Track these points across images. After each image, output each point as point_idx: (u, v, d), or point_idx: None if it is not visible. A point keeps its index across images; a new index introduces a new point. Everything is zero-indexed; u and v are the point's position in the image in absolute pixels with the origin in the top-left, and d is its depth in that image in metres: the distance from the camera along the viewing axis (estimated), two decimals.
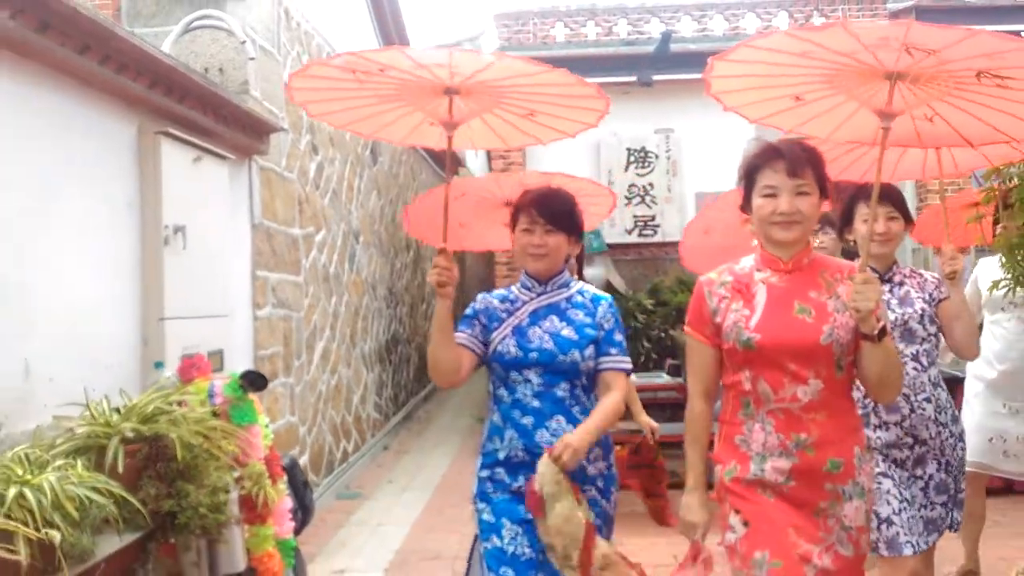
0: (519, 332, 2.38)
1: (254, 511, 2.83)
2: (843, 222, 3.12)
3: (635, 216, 8.63)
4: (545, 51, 8.32)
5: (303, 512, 3.43)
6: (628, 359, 2.45)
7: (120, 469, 2.23)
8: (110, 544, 2.15)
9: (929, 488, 2.86)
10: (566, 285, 2.48)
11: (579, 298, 2.46)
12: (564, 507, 2.17)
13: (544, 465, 2.20)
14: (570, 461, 2.19)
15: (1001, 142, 2.46)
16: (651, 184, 8.57)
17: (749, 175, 2.20)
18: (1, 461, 1.99)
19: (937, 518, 2.87)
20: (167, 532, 2.36)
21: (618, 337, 2.44)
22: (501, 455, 2.36)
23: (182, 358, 3.13)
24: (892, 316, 2.86)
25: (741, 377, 2.15)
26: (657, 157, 8.53)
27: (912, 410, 2.83)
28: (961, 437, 2.97)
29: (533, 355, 2.34)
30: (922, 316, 2.88)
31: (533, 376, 2.35)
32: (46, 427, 2.54)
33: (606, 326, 2.42)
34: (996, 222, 3.27)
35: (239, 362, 4.21)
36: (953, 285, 2.87)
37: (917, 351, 2.86)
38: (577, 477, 2.26)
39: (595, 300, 2.47)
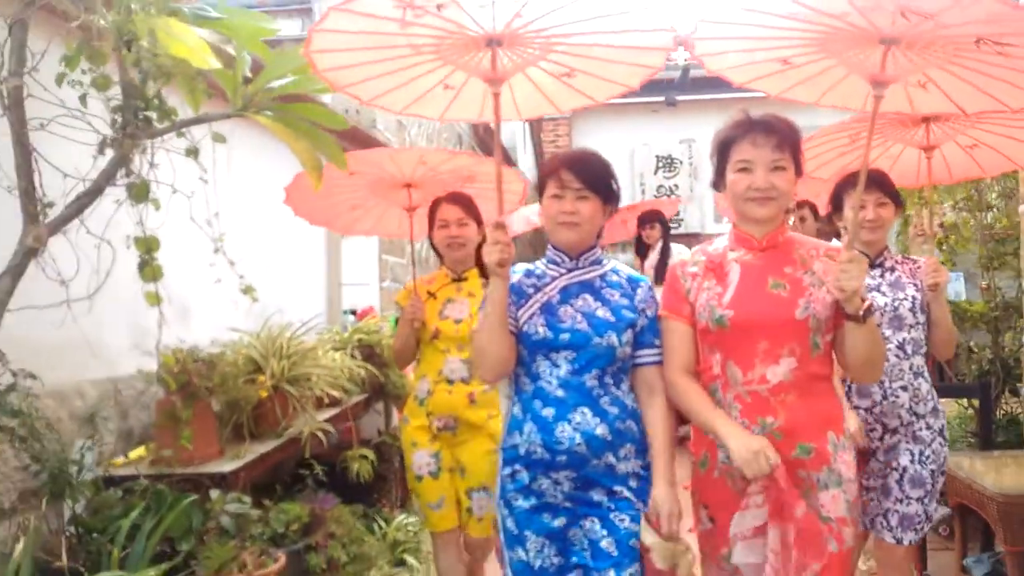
0: (548, 310, 2.09)
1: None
2: (833, 208, 2.99)
3: None
4: None
5: None
6: None
7: (358, 359, 4.11)
8: (355, 397, 4.04)
9: (904, 481, 2.69)
10: (599, 262, 2.17)
11: (614, 277, 2.16)
12: (686, 563, 1.99)
13: (651, 538, 2.00)
14: (674, 525, 2.02)
15: (997, 111, 2.33)
16: (676, 185, 10.33)
17: (723, 148, 2.08)
18: (308, 346, 3.83)
19: (913, 514, 2.66)
20: (378, 396, 4.24)
21: (659, 326, 2.15)
22: (521, 451, 2.08)
23: (359, 310, 5.08)
24: (882, 301, 2.76)
25: (711, 362, 2.08)
26: (681, 163, 10.28)
27: (884, 397, 2.71)
28: (942, 432, 2.77)
29: (564, 336, 2.05)
30: (913, 303, 2.77)
31: (562, 361, 2.06)
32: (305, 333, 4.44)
33: (648, 312, 2.13)
34: None
35: None
36: (935, 298, 2.76)
37: (904, 339, 2.73)
38: (605, 478, 2.05)
39: (632, 281, 2.17)
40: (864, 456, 2.68)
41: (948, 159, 3.09)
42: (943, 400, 2.85)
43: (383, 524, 3.73)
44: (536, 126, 10.46)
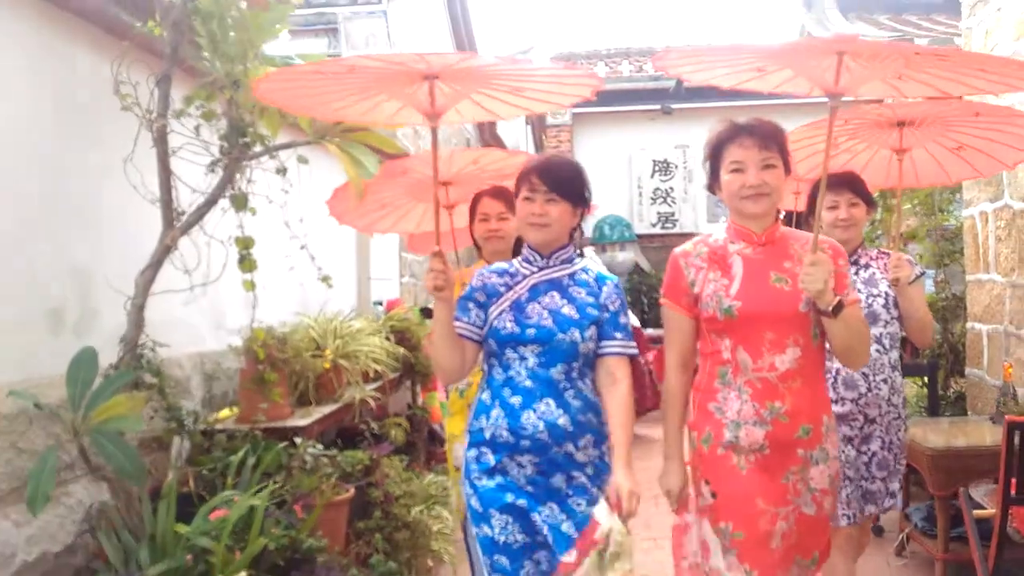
0: (517, 307, 2.20)
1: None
2: (808, 209, 3.08)
3: (658, 213, 11.05)
4: None
5: None
6: (634, 344, 2.27)
7: (391, 342, 4.76)
8: (391, 374, 4.68)
9: (872, 464, 2.88)
10: (570, 261, 2.28)
11: (583, 276, 2.28)
12: (624, 567, 2.01)
13: (608, 518, 2.05)
14: (636, 507, 2.08)
15: (940, 98, 2.51)
16: (671, 188, 10.98)
17: (715, 152, 2.19)
18: (356, 329, 4.46)
19: (876, 491, 2.88)
20: (408, 374, 4.89)
21: (623, 320, 2.25)
22: (486, 434, 2.19)
23: (384, 301, 5.73)
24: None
25: (720, 347, 2.15)
26: (676, 167, 10.92)
27: (869, 389, 2.84)
28: (905, 420, 2.97)
29: (531, 332, 2.17)
30: (887, 299, 2.87)
31: (529, 354, 2.17)
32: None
33: (611, 307, 2.24)
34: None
35: None
36: (900, 291, 2.86)
37: (880, 334, 2.83)
38: (564, 464, 2.17)
39: (600, 280, 2.28)
40: (844, 442, 2.81)
41: (940, 161, 3.19)
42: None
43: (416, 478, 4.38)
44: (538, 131, 11.09)
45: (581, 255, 2.37)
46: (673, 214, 11.02)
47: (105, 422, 2.46)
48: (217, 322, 3.75)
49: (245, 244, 3.05)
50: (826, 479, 2.16)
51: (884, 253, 2.99)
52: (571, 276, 2.28)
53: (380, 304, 6.05)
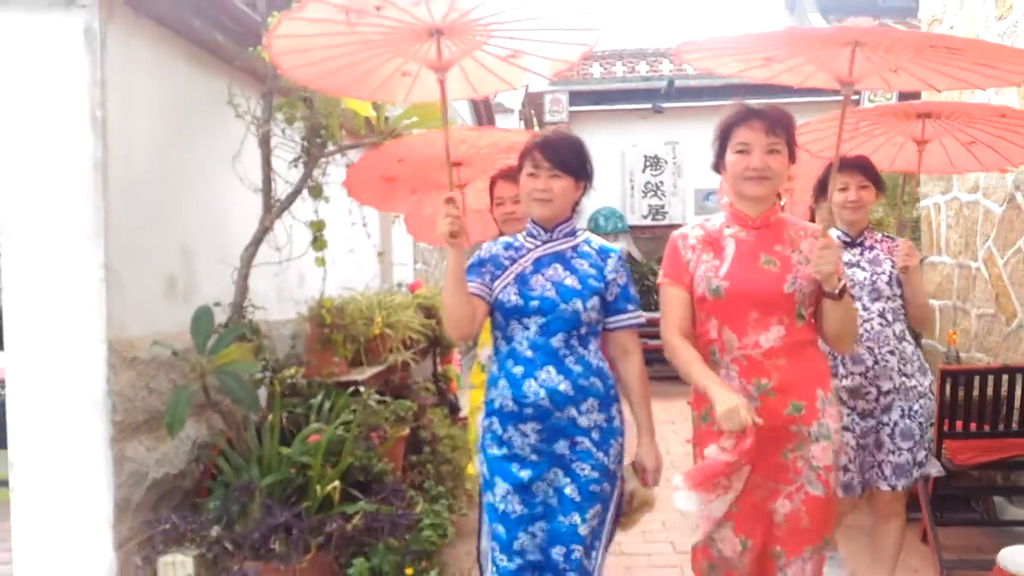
0: (521, 280, 2.26)
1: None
2: (819, 192, 3.17)
3: (649, 205, 11.75)
4: (584, 85, 11.40)
5: None
6: (641, 312, 2.35)
7: (420, 317, 5.42)
8: (422, 344, 5.33)
9: (895, 434, 2.95)
10: (572, 234, 2.33)
11: (586, 248, 2.32)
12: (644, 511, 2.28)
13: (634, 484, 2.27)
14: (659, 478, 2.22)
15: (988, 116, 2.76)
16: (661, 182, 11.67)
17: (724, 133, 2.22)
18: (397, 303, 5.09)
19: (904, 463, 2.94)
20: (436, 346, 5.55)
21: (632, 291, 2.32)
22: (496, 404, 2.26)
23: (405, 284, 6.40)
24: (862, 276, 2.99)
25: (708, 326, 2.21)
26: (666, 163, 11.62)
27: (876, 362, 2.92)
28: (930, 388, 3.03)
29: (534, 303, 2.22)
30: (890, 277, 2.98)
31: (532, 325, 2.23)
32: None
33: (619, 281, 2.29)
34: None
35: None
36: (906, 279, 2.97)
37: (883, 308, 2.95)
38: (568, 429, 2.22)
39: (603, 252, 2.33)
40: (862, 416, 2.96)
41: (949, 152, 3.28)
42: None
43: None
44: (536, 127, 11.75)
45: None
46: (663, 207, 11.71)
47: (225, 364, 3.11)
48: (280, 294, 4.40)
49: (319, 227, 3.70)
50: (829, 456, 2.16)
51: (888, 238, 3.13)
52: (574, 248, 2.32)
53: (401, 286, 6.70)
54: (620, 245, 11.25)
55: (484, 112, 10.75)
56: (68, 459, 2.99)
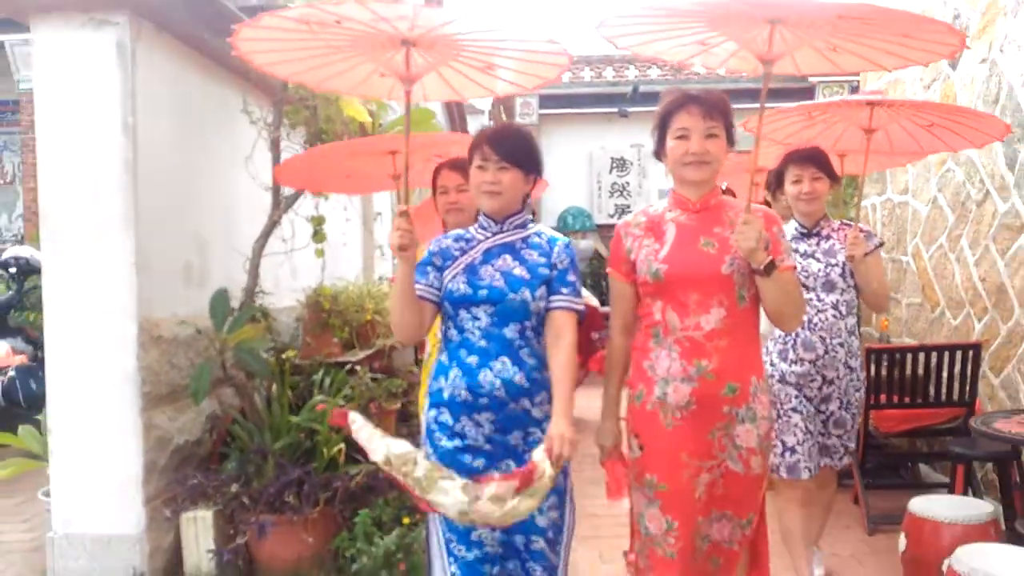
0: (471, 270, 2.27)
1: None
2: (776, 184, 3.23)
3: (616, 204, 12.28)
4: (554, 89, 11.87)
5: None
6: (582, 302, 2.32)
7: None
8: None
9: (829, 422, 3.12)
10: (523, 226, 2.35)
11: (536, 239, 2.33)
12: (528, 504, 2.05)
13: (544, 462, 2.07)
14: (571, 453, 2.11)
15: (930, 104, 2.92)
16: (627, 183, 12.21)
17: (664, 120, 2.25)
18: (385, 291, 5.52)
19: (831, 446, 3.15)
20: None
21: (571, 278, 2.29)
22: (445, 394, 2.24)
23: (388, 276, 6.82)
24: (816, 267, 3.06)
25: (652, 308, 2.26)
26: (632, 164, 12.15)
27: (826, 351, 3.03)
28: (863, 382, 3.19)
29: (482, 292, 2.23)
30: (843, 269, 3.03)
31: (482, 315, 2.23)
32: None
33: (560, 266, 2.28)
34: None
35: None
36: (855, 266, 3.02)
37: (837, 300, 3.02)
38: (522, 420, 2.23)
39: (551, 241, 2.34)
40: (809, 400, 3.07)
41: (913, 135, 3.24)
42: None
43: None
44: None
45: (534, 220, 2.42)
46: (629, 206, 12.23)
47: (242, 341, 3.52)
48: (281, 283, 4.81)
49: (319, 221, 4.13)
50: (753, 438, 2.22)
51: (847, 224, 3.15)
52: (524, 240, 2.32)
53: (383, 279, 7.12)
54: (588, 243, 11.76)
55: (456, 114, 11.19)
56: (104, 426, 3.39)
